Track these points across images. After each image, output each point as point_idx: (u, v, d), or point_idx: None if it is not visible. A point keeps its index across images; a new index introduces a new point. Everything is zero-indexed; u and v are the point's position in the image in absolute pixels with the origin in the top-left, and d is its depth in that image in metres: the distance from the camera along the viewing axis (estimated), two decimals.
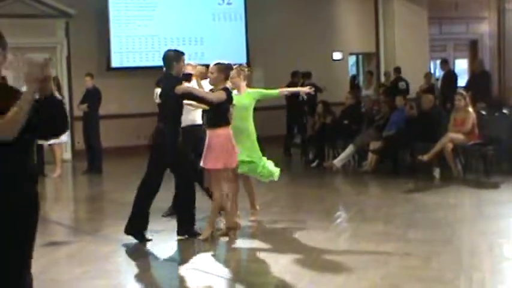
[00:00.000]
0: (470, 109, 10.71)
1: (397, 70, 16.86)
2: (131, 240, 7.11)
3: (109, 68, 15.56)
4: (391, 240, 6.78)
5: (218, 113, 6.91)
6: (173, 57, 6.99)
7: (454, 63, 21.66)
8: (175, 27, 16.14)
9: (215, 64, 7.00)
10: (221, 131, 6.87)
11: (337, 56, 18.38)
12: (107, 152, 13.23)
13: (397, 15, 18.24)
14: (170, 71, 6.97)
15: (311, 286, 5.42)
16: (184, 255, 6.48)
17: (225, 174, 6.96)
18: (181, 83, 6.87)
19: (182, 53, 7.06)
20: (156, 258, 6.41)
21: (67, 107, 14.49)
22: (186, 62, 7.19)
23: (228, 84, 7.07)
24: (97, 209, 9.75)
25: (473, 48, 21.64)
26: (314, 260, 6.14)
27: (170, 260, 6.32)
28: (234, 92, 7.33)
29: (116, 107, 15.24)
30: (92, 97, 12.71)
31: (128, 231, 6.91)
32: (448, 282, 5.35)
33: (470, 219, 7.91)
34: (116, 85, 15.37)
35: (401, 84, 16.39)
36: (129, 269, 6.27)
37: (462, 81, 16.98)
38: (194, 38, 16.29)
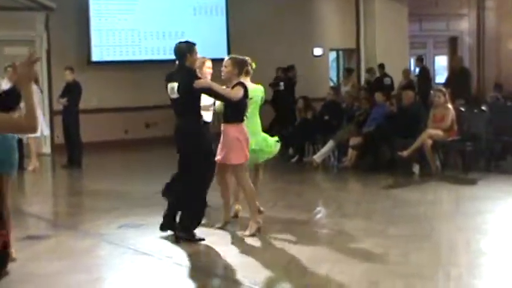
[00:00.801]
0: (450, 105, 10.80)
1: (382, 66, 16.94)
2: (111, 234, 7.10)
3: (89, 62, 15.47)
4: (370, 235, 6.82)
5: (237, 109, 6.76)
6: (186, 48, 6.70)
7: (433, 60, 21.83)
8: (156, 21, 16.08)
9: (229, 58, 6.86)
10: (238, 127, 6.78)
11: (317, 51, 18.42)
12: (87, 146, 13.16)
13: (378, 12, 18.31)
14: (184, 63, 6.68)
15: (290, 281, 5.44)
16: (166, 249, 6.47)
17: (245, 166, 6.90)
18: (198, 77, 6.67)
19: (194, 44, 6.79)
20: (136, 252, 6.40)
21: (46, 100, 14.56)
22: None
23: (242, 79, 6.89)
24: (77, 203, 9.71)
25: (452, 45, 21.81)
26: (293, 255, 6.16)
27: (151, 254, 6.31)
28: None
29: (95, 101, 15.17)
30: (72, 91, 12.64)
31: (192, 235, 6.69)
32: (426, 277, 5.40)
33: (448, 215, 7.99)
34: (96, 79, 15.29)
35: (386, 80, 16.52)
36: (109, 263, 6.25)
37: (441, 78, 17.12)
38: (175, 32, 16.22)
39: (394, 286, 5.21)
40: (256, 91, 7.54)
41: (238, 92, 6.69)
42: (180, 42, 6.83)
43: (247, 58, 7.16)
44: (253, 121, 7.37)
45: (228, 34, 16.68)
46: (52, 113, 14.63)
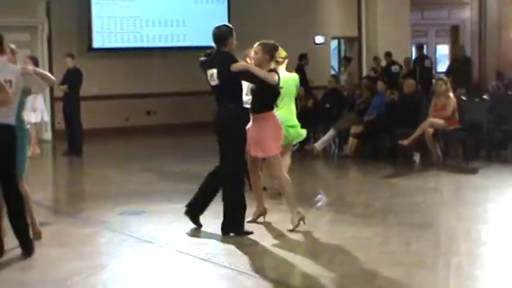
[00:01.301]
0: (451, 94, 10.78)
1: (389, 54, 16.87)
2: (112, 221, 7.11)
3: (90, 49, 15.44)
4: (370, 224, 6.83)
5: (269, 96, 6.53)
6: (228, 32, 6.44)
7: (435, 49, 21.77)
8: (157, 8, 16.04)
9: (259, 44, 6.59)
10: (270, 115, 6.53)
11: (319, 39, 18.37)
12: (88, 133, 13.16)
13: (380, 0, 18.24)
14: (223, 48, 6.40)
15: (292, 270, 5.46)
16: (166, 236, 6.48)
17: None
18: (236, 60, 6.42)
19: (232, 28, 6.57)
20: (137, 240, 6.41)
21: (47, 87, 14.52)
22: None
23: (272, 66, 6.62)
24: (77, 190, 9.73)
25: (454, 34, 21.74)
26: (294, 244, 6.17)
27: (152, 241, 6.32)
28: None
29: (97, 88, 15.15)
30: (73, 78, 12.61)
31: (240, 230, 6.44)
32: (426, 266, 5.40)
33: (449, 204, 7.99)
34: (97, 66, 15.27)
35: (395, 68, 16.47)
36: (109, 250, 6.26)
37: (443, 67, 17.08)
38: (176, 20, 16.20)
39: (394, 275, 5.22)
40: (290, 80, 7.58)
41: (274, 76, 6.43)
42: (221, 26, 6.54)
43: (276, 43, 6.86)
44: (288, 111, 7.47)
45: (230, 22, 16.58)
46: (53, 100, 14.61)
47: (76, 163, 12.06)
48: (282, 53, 7.07)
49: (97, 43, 15.52)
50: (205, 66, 6.50)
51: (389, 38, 17.92)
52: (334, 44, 19.70)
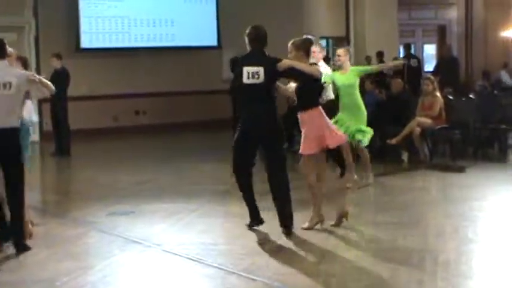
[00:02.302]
0: (438, 94, 10.84)
1: (380, 54, 16.91)
2: (100, 222, 7.11)
3: (78, 49, 15.39)
4: (359, 223, 6.86)
5: (314, 92, 6.50)
6: (266, 34, 6.52)
7: (422, 49, 21.87)
8: (146, 8, 16.00)
9: (291, 43, 6.57)
10: (318, 111, 6.48)
11: None
12: (76, 134, 13.13)
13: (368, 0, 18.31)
14: (263, 48, 6.43)
15: (281, 269, 5.47)
16: (154, 237, 6.48)
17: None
18: (281, 59, 6.36)
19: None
20: (126, 240, 6.41)
21: None
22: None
23: (311, 60, 6.61)
24: (65, 191, 9.71)
25: (441, 34, 21.85)
26: (282, 243, 6.19)
27: (140, 242, 6.32)
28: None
29: (85, 88, 15.11)
30: (61, 78, 12.54)
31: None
32: (414, 264, 5.44)
33: (436, 202, 8.05)
34: (85, 66, 15.22)
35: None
36: (98, 251, 6.25)
37: (430, 67, 17.17)
38: (165, 19, 16.18)
39: (382, 272, 5.25)
40: (348, 77, 8.35)
41: (319, 68, 6.45)
42: (258, 27, 6.57)
43: (309, 36, 6.95)
44: (350, 103, 8.41)
45: (218, 21, 16.63)
46: (40, 101, 14.55)
47: (64, 164, 12.02)
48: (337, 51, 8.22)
49: (85, 43, 15.46)
50: (244, 63, 6.39)
51: (377, 38, 17.98)
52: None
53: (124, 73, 15.93)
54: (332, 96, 8.48)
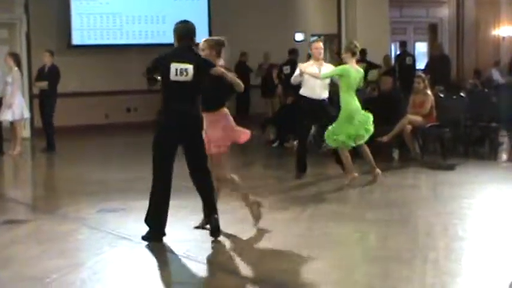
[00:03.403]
0: (429, 92, 10.86)
1: (363, 52, 16.88)
2: (91, 218, 7.10)
3: (70, 46, 15.36)
4: (349, 220, 6.88)
5: (224, 94, 6.57)
6: (195, 29, 6.40)
7: (414, 47, 21.91)
8: (138, 5, 16.00)
9: (205, 40, 6.56)
10: (225, 111, 6.56)
11: (299, 36, 18.40)
12: (67, 130, 13.10)
13: None
14: (192, 45, 6.33)
15: (271, 266, 5.48)
16: (143, 233, 6.46)
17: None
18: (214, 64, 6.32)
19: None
20: (116, 237, 6.40)
21: (26, 84, 14.43)
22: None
23: (221, 62, 6.53)
24: (55, 187, 9.69)
25: (432, 32, 21.88)
26: (273, 240, 6.20)
27: (130, 238, 6.31)
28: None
29: (76, 85, 15.07)
30: (51, 75, 12.51)
31: None
32: (404, 261, 5.45)
33: (426, 200, 8.06)
34: (77, 63, 15.20)
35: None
36: (88, 248, 6.24)
37: (421, 65, 17.21)
38: (156, 16, 16.17)
39: (372, 270, 5.27)
40: (356, 72, 8.58)
41: (242, 86, 6.40)
42: (186, 22, 6.41)
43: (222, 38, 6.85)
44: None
45: (210, 19, 16.62)
46: (32, 97, 14.52)
47: (55, 160, 11.99)
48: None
49: (76, 40, 15.45)
50: (172, 59, 6.14)
51: (369, 35, 17.99)
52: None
53: (115, 70, 15.90)
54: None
